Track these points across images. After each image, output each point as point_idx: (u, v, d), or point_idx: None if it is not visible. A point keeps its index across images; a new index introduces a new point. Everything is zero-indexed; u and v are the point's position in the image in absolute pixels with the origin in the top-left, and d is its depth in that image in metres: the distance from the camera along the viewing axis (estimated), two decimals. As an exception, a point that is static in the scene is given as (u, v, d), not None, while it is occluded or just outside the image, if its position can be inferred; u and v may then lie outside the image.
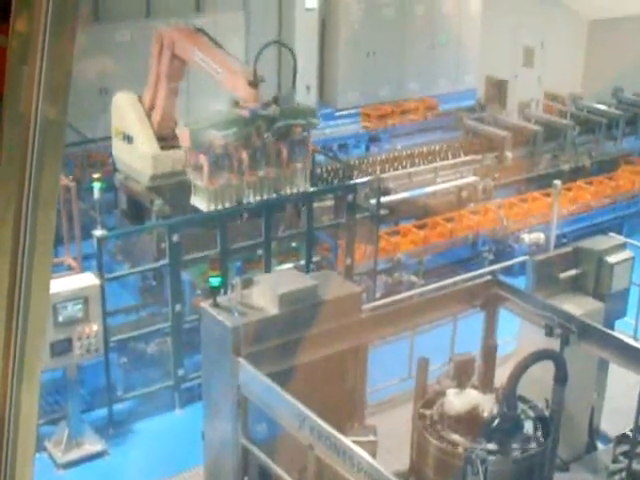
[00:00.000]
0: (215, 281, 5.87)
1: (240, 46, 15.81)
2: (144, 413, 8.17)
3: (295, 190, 8.88)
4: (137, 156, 9.75)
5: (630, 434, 6.07)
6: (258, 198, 8.66)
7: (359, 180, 9.59)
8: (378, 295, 9.44)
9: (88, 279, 7.24)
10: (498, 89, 16.52)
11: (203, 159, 8.35)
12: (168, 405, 8.27)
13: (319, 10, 17.22)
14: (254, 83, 8.56)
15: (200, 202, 8.55)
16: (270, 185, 8.75)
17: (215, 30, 15.19)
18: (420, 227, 10.88)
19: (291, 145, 8.76)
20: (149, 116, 9.75)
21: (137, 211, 9.98)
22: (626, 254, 6.90)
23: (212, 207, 8.45)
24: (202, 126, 8.48)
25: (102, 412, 7.98)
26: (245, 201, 8.64)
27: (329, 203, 10.00)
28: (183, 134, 8.55)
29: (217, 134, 8.32)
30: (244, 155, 8.47)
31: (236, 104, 8.72)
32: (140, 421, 8.09)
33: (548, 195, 11.60)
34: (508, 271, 9.55)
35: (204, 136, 8.37)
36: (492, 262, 10.53)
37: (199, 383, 7.24)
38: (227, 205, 8.54)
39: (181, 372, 8.20)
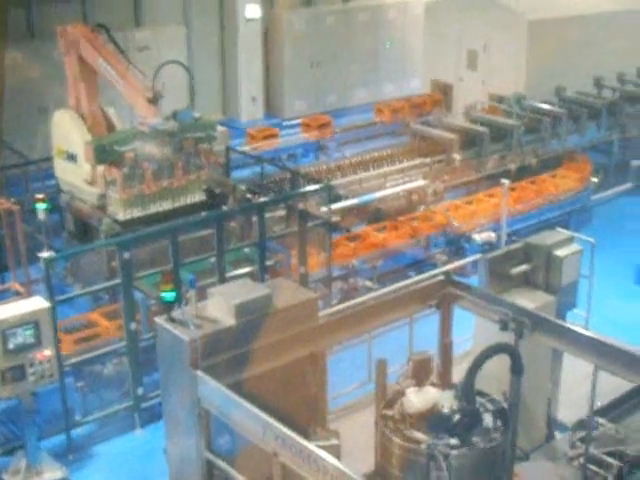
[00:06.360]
0: (169, 296, 5.82)
1: (182, 59, 15.72)
2: (104, 436, 8.03)
3: (191, 200, 9.60)
4: (83, 175, 9.62)
5: (586, 419, 6.18)
6: (166, 207, 9.44)
7: (309, 188, 9.61)
8: (334, 302, 9.44)
9: (37, 303, 7.02)
10: (444, 92, 16.75)
11: (116, 172, 9.07)
12: (129, 426, 8.14)
13: (262, 21, 17.25)
14: (153, 100, 9.25)
15: (116, 211, 9.25)
16: (169, 195, 9.46)
17: (157, 44, 15.16)
18: (374, 231, 10.94)
19: (187, 157, 9.50)
20: (89, 129, 9.73)
21: (85, 231, 9.84)
22: (574, 247, 7.01)
23: (128, 215, 9.24)
24: (104, 142, 9.23)
25: (61, 438, 7.81)
26: (152, 210, 9.39)
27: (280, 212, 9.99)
28: (87, 150, 9.23)
29: (124, 149, 9.06)
30: (147, 168, 9.18)
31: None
32: (101, 444, 7.94)
33: (494, 195, 11.85)
34: (463, 272, 9.67)
35: (107, 152, 9.12)
36: (446, 263, 10.64)
37: (160, 402, 7.14)
38: (139, 213, 9.31)
39: (140, 391, 8.08)
